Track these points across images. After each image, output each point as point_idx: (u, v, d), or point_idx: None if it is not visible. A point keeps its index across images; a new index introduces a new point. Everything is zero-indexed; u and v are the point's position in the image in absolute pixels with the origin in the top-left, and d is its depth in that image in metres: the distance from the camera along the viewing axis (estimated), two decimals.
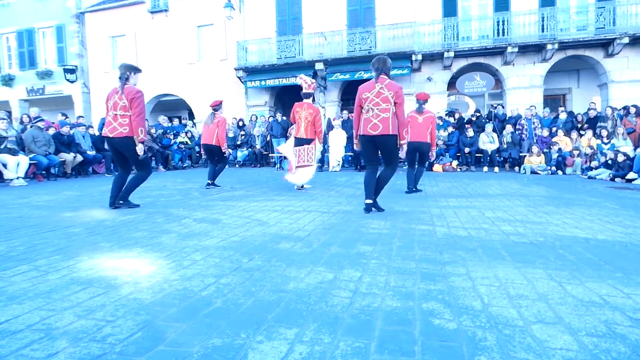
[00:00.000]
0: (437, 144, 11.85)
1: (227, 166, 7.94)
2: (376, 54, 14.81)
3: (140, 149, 4.42)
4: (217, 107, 6.99)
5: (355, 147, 4.55)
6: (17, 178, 7.79)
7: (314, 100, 6.34)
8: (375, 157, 4.33)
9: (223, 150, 6.98)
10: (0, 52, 20.29)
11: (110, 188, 4.64)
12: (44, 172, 8.86)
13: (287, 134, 12.64)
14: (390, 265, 2.35)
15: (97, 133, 11.00)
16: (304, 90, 6.31)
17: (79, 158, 9.63)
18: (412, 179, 6.10)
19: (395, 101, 4.04)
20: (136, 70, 4.52)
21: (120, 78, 4.39)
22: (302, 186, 6.51)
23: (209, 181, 6.92)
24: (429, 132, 6.01)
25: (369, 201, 4.28)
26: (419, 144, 5.92)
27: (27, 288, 1.98)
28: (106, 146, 4.64)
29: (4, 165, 7.71)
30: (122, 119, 4.34)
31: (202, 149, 7.30)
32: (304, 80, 6.39)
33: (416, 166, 6.20)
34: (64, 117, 11.04)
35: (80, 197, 5.82)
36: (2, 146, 7.97)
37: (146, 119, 4.53)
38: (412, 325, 1.56)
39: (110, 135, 4.38)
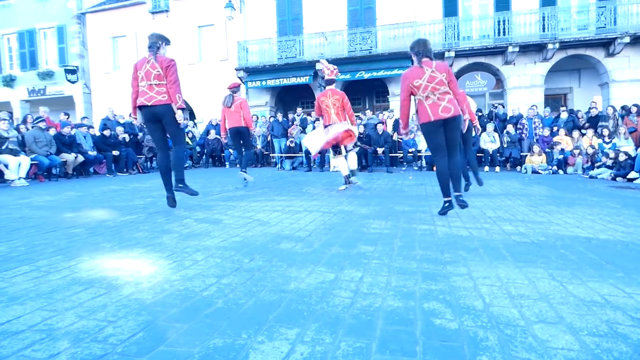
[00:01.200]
0: None
1: (226, 165, 7.92)
2: (377, 54, 14.84)
3: (180, 116, 4.30)
4: (235, 89, 6.79)
5: (404, 137, 4.32)
6: (19, 178, 7.80)
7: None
8: (443, 141, 3.97)
9: (251, 130, 6.85)
10: (2, 53, 20.34)
11: (162, 179, 4.47)
12: (45, 172, 8.87)
13: (288, 134, 12.68)
14: (392, 265, 2.35)
15: (98, 133, 11.02)
16: (327, 77, 6.13)
17: (80, 158, 9.64)
18: (475, 165, 5.76)
19: (449, 80, 3.87)
20: (167, 41, 4.44)
21: (150, 47, 4.26)
22: (349, 181, 6.32)
23: (243, 170, 6.82)
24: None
25: (449, 198, 4.00)
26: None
27: (28, 288, 1.98)
28: (138, 120, 4.45)
29: (6, 166, 7.73)
30: (159, 87, 4.21)
31: (224, 135, 7.04)
32: (325, 66, 6.18)
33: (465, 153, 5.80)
34: (67, 117, 11.06)
35: (81, 197, 5.82)
36: (4, 147, 7.99)
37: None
38: (414, 325, 1.56)
39: (149, 104, 4.20)
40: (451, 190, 4.05)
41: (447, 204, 4.02)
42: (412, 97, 3.99)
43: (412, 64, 4.06)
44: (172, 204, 4.47)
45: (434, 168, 10.83)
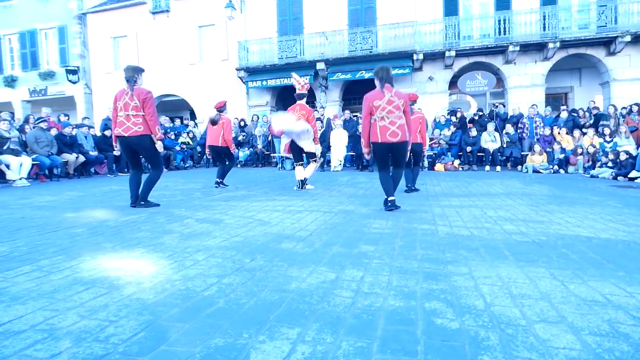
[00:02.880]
0: (439, 143, 11.86)
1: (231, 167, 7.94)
2: (377, 53, 14.82)
3: (160, 146, 4.65)
4: (221, 108, 7.00)
5: (366, 156, 4.57)
6: (20, 179, 7.81)
7: (307, 102, 6.33)
8: (388, 161, 4.47)
9: (232, 151, 7.03)
10: (3, 53, 20.36)
11: (129, 189, 4.75)
12: (46, 172, 8.88)
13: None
14: (392, 264, 2.35)
15: (99, 133, 11.03)
16: (297, 92, 6.29)
17: (82, 158, 9.65)
18: (410, 178, 6.12)
19: (404, 109, 4.25)
20: (141, 71, 4.71)
21: (128, 80, 4.55)
22: (303, 185, 6.44)
23: (218, 180, 6.93)
24: (419, 132, 6.05)
25: (392, 198, 4.37)
26: (412, 145, 5.88)
27: (30, 288, 1.98)
28: (117, 148, 4.80)
29: (7, 166, 7.74)
30: (135, 119, 4.50)
31: (208, 150, 7.31)
32: (297, 80, 6.35)
33: (412, 167, 6.23)
34: (67, 118, 11.08)
35: (82, 197, 5.83)
36: (5, 147, 8.00)
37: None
38: (415, 324, 1.56)
39: (125, 135, 4.52)
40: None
41: (390, 203, 4.37)
42: (371, 116, 4.35)
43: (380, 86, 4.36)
44: (133, 206, 4.73)
45: (435, 168, 10.89)
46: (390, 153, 4.36)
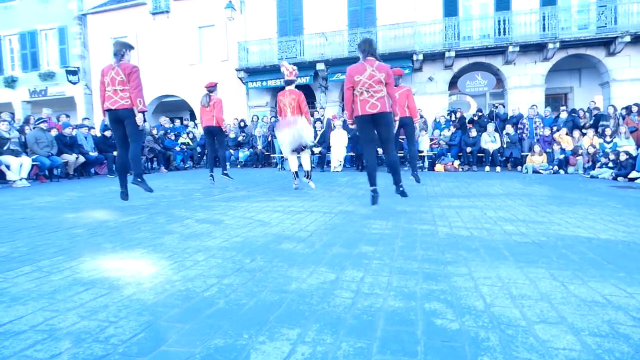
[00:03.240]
0: (439, 144, 11.86)
1: (227, 165, 7.96)
2: (378, 54, 14.82)
3: (139, 119, 4.63)
4: (211, 88, 7.07)
5: (350, 127, 4.61)
6: (20, 179, 7.82)
7: (296, 87, 6.37)
8: (373, 135, 4.43)
9: (224, 130, 7.10)
10: (3, 54, 20.37)
11: (117, 172, 4.85)
12: (46, 173, 8.88)
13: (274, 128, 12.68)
14: (392, 265, 2.35)
15: (99, 134, 11.04)
16: (286, 78, 6.34)
17: (81, 159, 9.65)
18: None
19: (387, 82, 4.24)
20: (130, 47, 4.78)
21: (115, 54, 4.61)
22: (309, 176, 6.45)
23: (211, 174, 6.99)
24: (406, 106, 6.06)
25: (374, 187, 4.37)
26: (400, 119, 5.70)
27: (30, 289, 1.98)
28: (107, 121, 4.87)
29: (7, 167, 7.74)
30: (122, 93, 4.57)
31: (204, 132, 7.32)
32: (285, 67, 6.41)
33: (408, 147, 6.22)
34: (67, 118, 11.07)
35: (82, 198, 5.83)
36: (5, 147, 8.00)
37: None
38: (415, 325, 1.56)
39: (113, 108, 4.58)
40: (376, 182, 4.48)
41: (373, 193, 4.39)
42: (354, 89, 4.35)
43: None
44: (124, 198, 4.81)
45: (435, 168, 10.88)
46: (374, 127, 4.34)
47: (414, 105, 6.21)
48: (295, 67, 6.51)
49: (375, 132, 4.40)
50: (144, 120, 4.70)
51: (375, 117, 4.27)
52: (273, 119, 13.82)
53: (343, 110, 15.45)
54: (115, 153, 10.40)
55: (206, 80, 17.35)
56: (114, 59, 4.61)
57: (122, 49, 4.63)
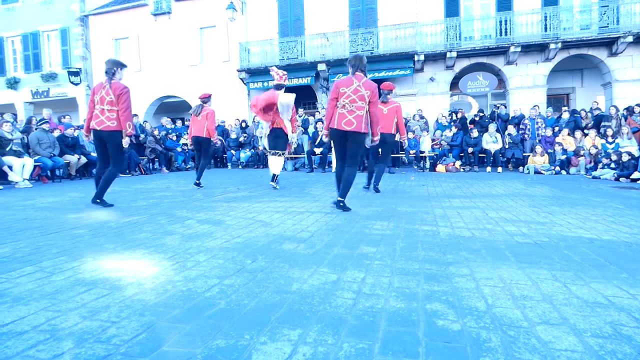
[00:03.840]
0: (441, 144, 11.85)
1: (228, 166, 7.99)
2: (378, 54, 14.84)
3: (126, 142, 4.63)
4: (206, 99, 7.13)
5: (323, 138, 4.61)
6: (23, 180, 7.83)
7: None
8: (343, 151, 4.43)
9: (214, 141, 7.19)
10: (6, 55, 20.43)
11: (95, 184, 4.89)
12: (48, 173, 8.90)
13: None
14: (394, 266, 2.35)
15: None
16: (276, 82, 6.44)
17: (83, 160, 9.67)
18: (372, 175, 6.20)
19: (371, 100, 4.25)
20: (122, 65, 4.73)
21: (107, 73, 4.58)
22: (275, 179, 6.70)
23: (197, 181, 7.07)
24: (395, 123, 6.07)
25: (341, 198, 4.39)
26: (383, 135, 5.78)
27: (32, 289, 1.99)
28: (88, 139, 4.96)
29: (10, 168, 7.76)
30: (110, 113, 4.54)
31: (190, 142, 7.39)
32: (275, 72, 6.52)
33: (376, 163, 6.25)
34: (69, 119, 11.10)
35: (84, 198, 5.84)
36: (8, 148, 8.02)
37: (134, 114, 4.88)
38: (416, 326, 1.56)
39: (98, 128, 4.57)
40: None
41: (338, 202, 4.41)
42: (337, 101, 4.34)
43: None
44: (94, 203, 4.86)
45: (436, 169, 10.87)
46: (344, 142, 4.36)
47: (402, 122, 6.21)
48: (285, 73, 6.66)
49: (344, 146, 4.42)
50: (129, 145, 4.73)
51: (348, 134, 4.28)
52: None
53: None
54: (85, 140, 10.45)
55: (207, 80, 17.50)
56: (106, 77, 4.57)
57: (113, 67, 4.58)
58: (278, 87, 6.43)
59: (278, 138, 6.59)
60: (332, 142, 4.51)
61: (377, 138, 4.43)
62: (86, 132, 4.81)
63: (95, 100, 4.60)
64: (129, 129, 4.57)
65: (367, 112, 4.28)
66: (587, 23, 13.60)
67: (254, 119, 15.15)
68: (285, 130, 6.54)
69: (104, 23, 19.12)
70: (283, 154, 6.69)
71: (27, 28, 19.77)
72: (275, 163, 6.67)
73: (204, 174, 7.28)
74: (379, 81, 15.87)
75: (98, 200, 4.78)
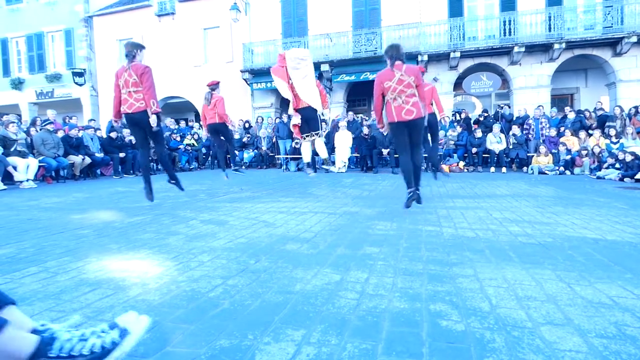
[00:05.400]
0: (447, 144, 11.82)
1: (232, 166, 8.01)
2: (382, 55, 14.81)
3: (153, 120, 4.59)
4: (213, 86, 7.05)
5: (384, 132, 4.52)
6: (27, 180, 7.88)
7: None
8: (407, 140, 4.35)
9: (228, 125, 7.10)
10: (10, 56, 20.56)
11: (141, 170, 4.95)
12: (53, 174, 8.95)
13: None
14: (397, 266, 2.35)
15: (104, 135, 11.11)
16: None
17: (88, 160, 9.71)
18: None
19: (417, 84, 4.18)
20: (141, 47, 4.73)
21: (127, 56, 4.58)
22: (325, 162, 6.51)
23: (226, 169, 7.04)
24: (432, 103, 6.12)
25: (412, 189, 4.26)
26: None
27: (36, 289, 2.00)
28: (118, 124, 4.96)
29: (14, 168, 7.80)
30: (137, 94, 4.53)
31: (206, 131, 7.31)
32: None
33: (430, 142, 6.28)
34: (75, 119, 11.18)
35: (88, 199, 5.87)
36: (12, 149, 8.07)
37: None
38: (420, 326, 1.55)
39: (129, 111, 4.56)
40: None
41: (411, 194, 4.28)
42: (384, 97, 4.30)
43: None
44: (148, 197, 4.85)
45: (442, 167, 10.84)
46: (407, 131, 4.30)
47: (439, 101, 6.24)
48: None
49: (408, 136, 4.36)
50: (159, 121, 4.67)
51: (411, 123, 4.22)
52: (277, 120, 13.83)
53: (347, 111, 15.47)
54: (121, 154, 10.51)
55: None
56: (126, 59, 4.58)
57: (133, 49, 4.58)
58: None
59: (308, 121, 6.05)
60: (394, 137, 4.40)
61: (444, 114, 4.41)
62: (115, 117, 4.77)
63: (120, 84, 4.58)
64: (154, 106, 4.52)
65: (419, 96, 4.22)
66: (591, 23, 13.54)
67: (257, 119, 15.20)
68: (313, 105, 5.93)
69: (108, 24, 19.20)
70: (317, 134, 6.13)
71: (31, 29, 19.89)
72: (307, 149, 6.26)
73: (234, 168, 7.17)
74: None
75: (173, 181, 4.88)
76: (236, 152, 7.11)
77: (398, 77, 4.14)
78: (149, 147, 4.90)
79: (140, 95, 4.52)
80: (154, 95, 4.53)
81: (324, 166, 6.42)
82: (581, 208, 4.55)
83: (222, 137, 7.25)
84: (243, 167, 7.05)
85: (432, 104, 6.10)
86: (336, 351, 1.37)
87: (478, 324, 1.57)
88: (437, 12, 14.90)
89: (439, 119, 6.59)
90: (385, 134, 4.58)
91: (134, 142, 11.36)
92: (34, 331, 1.20)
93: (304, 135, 6.20)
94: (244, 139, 13.96)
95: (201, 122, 8.15)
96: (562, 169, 9.87)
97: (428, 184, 7.54)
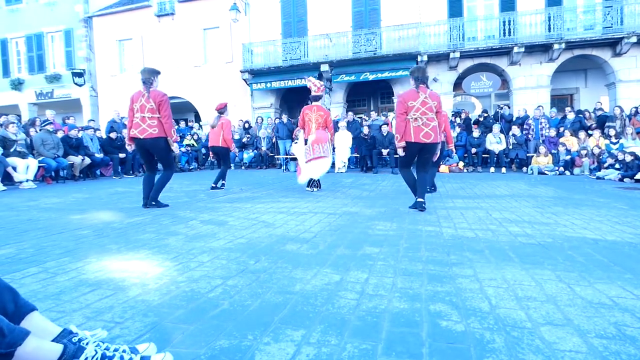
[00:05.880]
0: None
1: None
2: (381, 55, 14.83)
3: (176, 148, 4.78)
4: (222, 110, 7.18)
5: (400, 152, 4.53)
6: (27, 181, 7.87)
7: (299, 88, 6.46)
8: (413, 161, 4.61)
9: (231, 150, 7.24)
10: (10, 57, 20.55)
11: (142, 189, 4.88)
12: (52, 174, 8.94)
13: (293, 136, 12.71)
14: (397, 266, 2.35)
15: (104, 136, 11.10)
16: (313, 94, 6.32)
17: (87, 161, 9.71)
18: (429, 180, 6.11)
19: (437, 110, 4.34)
20: (158, 73, 4.84)
21: (144, 82, 4.65)
22: (313, 184, 6.42)
23: (213, 184, 7.03)
24: (443, 130, 6.06)
25: (421, 199, 4.43)
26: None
27: (36, 290, 2.00)
28: (131, 147, 4.93)
29: (14, 168, 7.80)
30: (151, 121, 4.60)
31: (210, 152, 7.52)
32: (312, 82, 6.39)
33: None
34: (74, 120, 11.18)
35: (88, 199, 5.87)
36: (12, 149, 8.07)
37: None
38: (420, 327, 1.55)
39: (141, 137, 4.61)
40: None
41: (420, 204, 4.44)
42: (406, 115, 4.38)
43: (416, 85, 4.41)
44: (146, 207, 4.85)
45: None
46: (419, 153, 4.45)
47: (450, 130, 6.28)
48: (322, 83, 6.54)
49: (417, 156, 4.53)
50: (179, 147, 4.81)
51: (426, 146, 4.35)
52: (277, 120, 13.84)
53: (347, 111, 15.47)
54: (121, 155, 10.51)
55: (211, 81, 17.54)
56: (143, 86, 4.64)
57: (150, 76, 4.66)
58: (315, 98, 6.31)
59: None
60: (406, 154, 4.50)
61: (451, 146, 4.84)
62: (129, 141, 4.83)
63: (134, 108, 4.64)
64: (174, 135, 4.71)
65: (437, 122, 4.36)
66: (591, 23, 13.54)
67: (256, 119, 15.19)
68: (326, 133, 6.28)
69: (108, 24, 19.19)
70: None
71: (31, 29, 19.88)
72: (320, 165, 6.25)
73: (222, 178, 7.13)
74: (381, 81, 15.94)
75: (153, 203, 4.83)
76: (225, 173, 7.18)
77: (422, 99, 4.26)
78: (156, 171, 4.99)
79: (154, 122, 4.60)
80: (172, 124, 4.72)
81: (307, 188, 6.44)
82: (581, 208, 4.56)
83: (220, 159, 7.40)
84: (223, 185, 7.05)
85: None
86: (336, 351, 1.37)
87: (478, 324, 1.57)
88: (436, 12, 14.90)
89: (447, 148, 6.59)
90: (401, 154, 4.60)
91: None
92: (60, 336, 1.19)
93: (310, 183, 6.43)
94: (244, 139, 13.96)
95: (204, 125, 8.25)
96: (561, 169, 9.88)
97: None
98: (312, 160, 6.14)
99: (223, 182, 7.12)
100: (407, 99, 4.32)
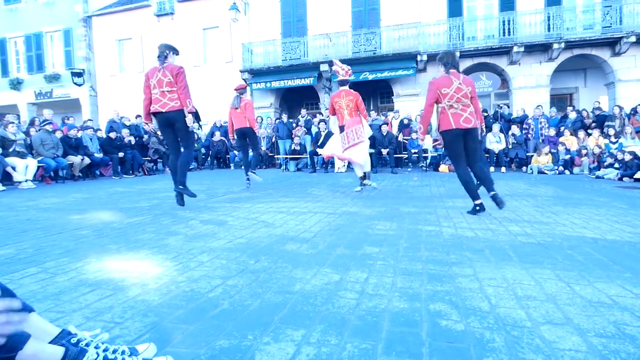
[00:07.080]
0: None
1: (231, 167, 7.99)
2: (381, 55, 14.83)
3: (190, 119, 4.59)
4: (242, 90, 6.94)
5: (420, 142, 4.39)
6: (26, 181, 7.87)
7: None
8: (462, 151, 4.17)
9: (255, 131, 6.99)
10: (9, 56, 20.54)
11: (171, 174, 4.85)
12: (52, 174, 8.94)
13: (293, 136, 12.72)
14: (397, 266, 2.35)
15: (104, 135, 11.10)
16: (340, 78, 6.18)
17: (87, 161, 9.71)
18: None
19: (472, 95, 4.12)
20: (175, 50, 4.72)
21: (159, 57, 4.57)
22: (364, 182, 6.26)
23: (248, 175, 6.92)
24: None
25: (479, 201, 4.11)
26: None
27: (36, 290, 2.00)
28: (154, 126, 4.82)
29: (13, 168, 7.80)
30: (171, 94, 4.51)
31: (233, 135, 7.14)
32: (339, 66, 6.24)
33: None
34: (73, 120, 11.18)
35: (87, 199, 5.86)
36: (11, 149, 8.06)
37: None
38: (420, 326, 1.55)
39: (163, 110, 4.51)
40: (476, 193, 4.18)
41: (477, 207, 4.13)
42: (435, 104, 4.16)
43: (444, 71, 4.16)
44: (180, 202, 4.73)
45: (439, 169, 10.84)
46: (464, 140, 4.12)
47: (482, 118, 6.15)
48: (349, 67, 6.31)
49: (463, 145, 4.17)
50: (194, 121, 4.63)
51: (468, 132, 4.09)
52: (277, 120, 13.83)
53: None
54: (120, 154, 10.51)
55: (210, 81, 17.52)
56: (158, 60, 4.57)
57: (165, 50, 4.58)
58: (342, 82, 6.15)
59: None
60: (450, 144, 4.17)
61: (485, 133, 4.19)
62: (146, 119, 4.73)
63: (151, 84, 4.54)
64: (189, 105, 4.54)
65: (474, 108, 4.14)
66: (590, 23, 13.55)
67: (256, 119, 15.18)
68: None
69: (107, 24, 19.19)
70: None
71: (30, 29, 19.87)
72: (359, 152, 6.05)
73: (251, 169, 7.02)
74: (381, 81, 15.94)
75: (181, 187, 4.68)
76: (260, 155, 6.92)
77: (457, 85, 4.02)
78: (180, 150, 4.84)
79: (174, 95, 4.50)
80: (189, 95, 4.55)
81: (357, 188, 6.29)
82: (580, 208, 4.56)
83: (248, 142, 7.12)
84: (249, 178, 6.92)
85: None
86: (336, 351, 1.37)
87: (478, 323, 1.57)
88: (436, 12, 14.91)
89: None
90: (423, 145, 4.35)
91: (133, 142, 11.36)
92: (59, 337, 1.18)
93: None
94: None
95: (227, 125, 8.03)
96: (561, 168, 9.89)
97: (428, 183, 7.54)
98: (349, 149, 5.98)
99: (253, 171, 6.94)
100: (440, 86, 4.03)
